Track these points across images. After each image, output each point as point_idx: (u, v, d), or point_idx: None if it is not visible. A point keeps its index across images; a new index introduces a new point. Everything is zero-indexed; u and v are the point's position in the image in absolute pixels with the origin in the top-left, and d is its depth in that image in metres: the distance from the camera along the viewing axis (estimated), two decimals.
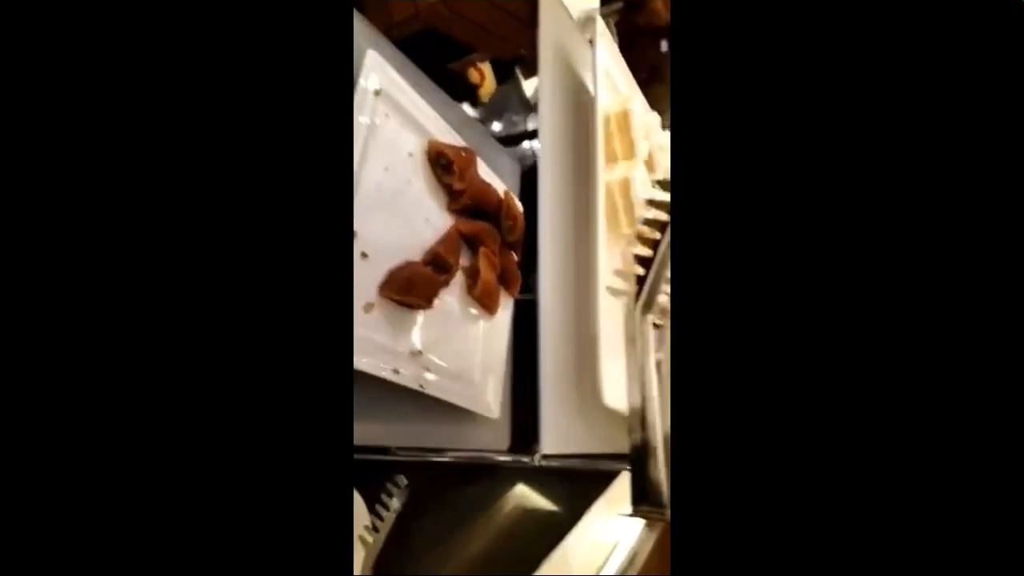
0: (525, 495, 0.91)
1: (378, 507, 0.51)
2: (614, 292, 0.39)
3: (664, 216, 0.40)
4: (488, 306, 0.59)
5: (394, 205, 0.50)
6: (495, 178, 0.61)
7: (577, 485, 0.91)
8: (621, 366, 0.39)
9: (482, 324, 0.59)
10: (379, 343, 0.47)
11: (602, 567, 1.05)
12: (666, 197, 0.40)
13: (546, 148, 0.39)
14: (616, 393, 0.37)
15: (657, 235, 0.40)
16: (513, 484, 0.87)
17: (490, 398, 0.58)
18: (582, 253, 0.38)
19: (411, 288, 0.49)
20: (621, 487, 1.11)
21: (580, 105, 0.42)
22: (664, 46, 0.96)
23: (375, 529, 0.51)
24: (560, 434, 0.35)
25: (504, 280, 0.61)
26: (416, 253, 0.51)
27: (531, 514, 0.89)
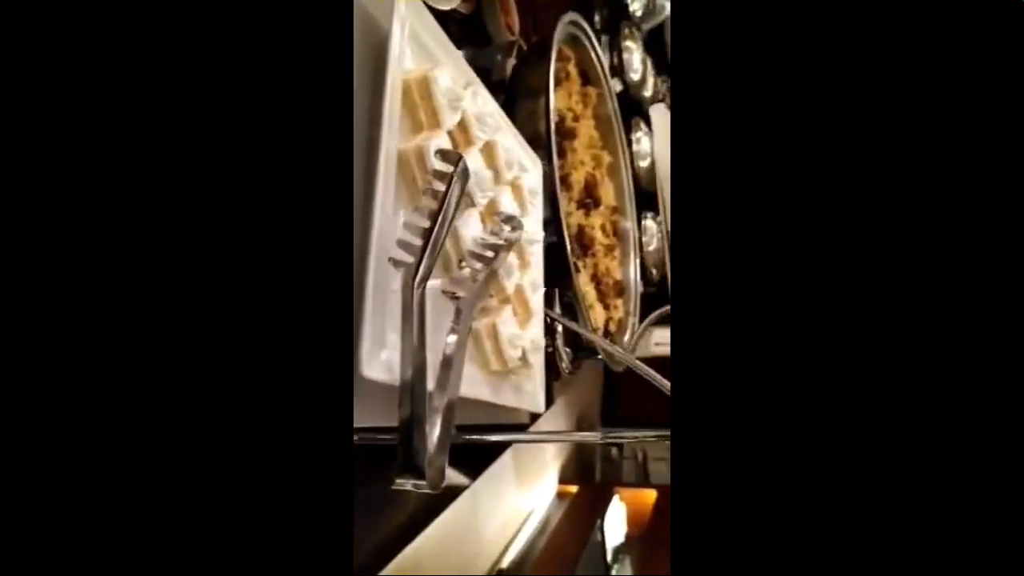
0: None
1: None
2: (395, 263, 0.38)
3: (442, 187, 0.39)
4: None
5: None
6: None
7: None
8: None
9: None
10: None
11: (518, 532, 1.08)
12: (446, 168, 0.40)
13: None
14: (384, 365, 0.37)
15: (434, 205, 0.39)
16: None
17: None
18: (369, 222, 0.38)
19: None
20: (523, 461, 1.13)
21: (379, 68, 0.41)
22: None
23: None
24: None
25: None
26: None
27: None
